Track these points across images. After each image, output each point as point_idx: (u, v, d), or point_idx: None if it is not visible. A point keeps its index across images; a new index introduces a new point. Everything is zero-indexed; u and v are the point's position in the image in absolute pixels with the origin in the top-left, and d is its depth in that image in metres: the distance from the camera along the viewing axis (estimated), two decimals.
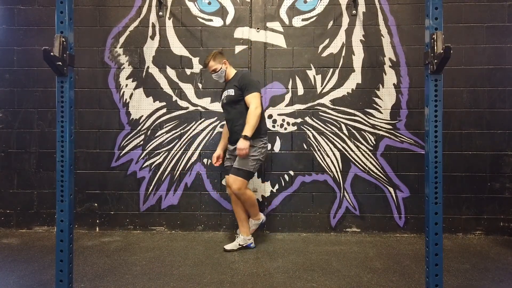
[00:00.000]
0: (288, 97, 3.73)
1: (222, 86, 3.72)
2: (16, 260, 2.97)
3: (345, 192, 3.72)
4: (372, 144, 3.70)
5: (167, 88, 3.76)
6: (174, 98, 3.76)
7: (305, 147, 3.72)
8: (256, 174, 3.54)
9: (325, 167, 3.72)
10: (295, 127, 3.72)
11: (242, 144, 3.00)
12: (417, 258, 3.03)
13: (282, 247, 3.32)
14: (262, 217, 3.40)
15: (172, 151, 3.77)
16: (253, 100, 3.09)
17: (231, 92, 3.18)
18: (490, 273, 2.73)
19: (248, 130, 3.01)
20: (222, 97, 3.31)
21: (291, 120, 3.72)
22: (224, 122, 3.46)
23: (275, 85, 3.73)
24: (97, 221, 3.79)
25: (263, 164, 3.60)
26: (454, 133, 3.67)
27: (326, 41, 3.72)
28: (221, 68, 3.23)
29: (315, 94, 3.72)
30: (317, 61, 3.72)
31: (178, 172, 3.77)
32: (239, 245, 3.20)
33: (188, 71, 3.76)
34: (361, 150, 3.70)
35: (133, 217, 3.78)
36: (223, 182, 3.74)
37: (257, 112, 3.05)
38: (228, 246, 3.19)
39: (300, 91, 3.72)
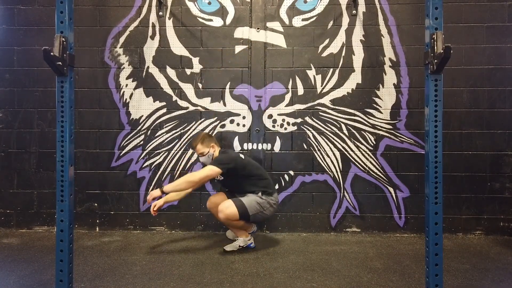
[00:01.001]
0: (288, 97, 3.73)
1: (222, 86, 3.74)
2: (16, 260, 2.97)
3: (345, 192, 3.72)
4: (372, 144, 3.70)
5: (167, 88, 3.76)
6: (174, 98, 3.76)
7: (305, 147, 3.72)
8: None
9: (325, 167, 3.72)
10: (295, 127, 3.72)
11: (155, 192, 2.93)
12: (417, 258, 3.03)
13: (282, 247, 3.32)
14: (251, 240, 3.25)
15: (172, 151, 3.77)
16: (202, 169, 3.08)
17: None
18: (490, 273, 2.73)
19: (169, 186, 2.97)
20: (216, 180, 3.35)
21: (291, 120, 3.72)
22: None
23: (275, 85, 3.73)
24: (97, 221, 3.79)
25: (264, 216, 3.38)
26: (454, 133, 3.67)
27: (326, 41, 3.72)
28: (208, 151, 3.23)
29: (315, 94, 3.72)
30: (317, 61, 3.72)
31: (178, 172, 3.77)
32: (239, 246, 3.19)
33: (188, 71, 3.76)
34: (361, 150, 3.70)
35: (133, 217, 3.78)
36: None
37: (190, 179, 2.98)
38: (228, 247, 3.18)
39: (300, 91, 3.72)
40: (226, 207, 3.02)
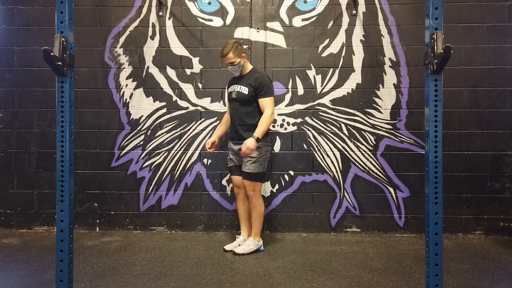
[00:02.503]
0: (288, 97, 3.73)
1: (222, 86, 3.73)
2: (16, 260, 2.97)
3: (345, 192, 3.72)
4: (372, 144, 3.70)
5: (167, 88, 3.76)
6: (174, 98, 3.76)
7: (305, 147, 3.72)
8: None
9: (325, 167, 3.72)
10: (295, 127, 3.72)
11: (252, 144, 2.95)
12: (417, 258, 3.03)
13: (282, 247, 3.32)
14: (261, 243, 3.21)
15: (172, 151, 3.77)
16: (269, 105, 3.06)
17: (244, 90, 3.09)
18: (490, 273, 2.73)
19: (260, 133, 2.99)
20: (231, 90, 3.19)
21: (291, 120, 3.72)
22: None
23: (275, 85, 3.72)
24: (97, 221, 3.79)
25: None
26: (454, 133, 3.67)
27: (326, 41, 3.72)
28: (239, 62, 3.09)
29: (315, 94, 3.72)
30: (317, 61, 3.72)
31: (178, 172, 3.77)
32: (251, 249, 3.12)
33: (188, 71, 3.76)
34: (361, 150, 3.70)
35: (133, 217, 3.78)
36: (223, 182, 3.74)
37: (272, 118, 3.07)
38: (239, 250, 3.12)
39: (300, 91, 3.72)
40: (248, 185, 3.10)
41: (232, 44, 3.08)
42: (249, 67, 3.22)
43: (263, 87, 3.06)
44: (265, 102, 3.06)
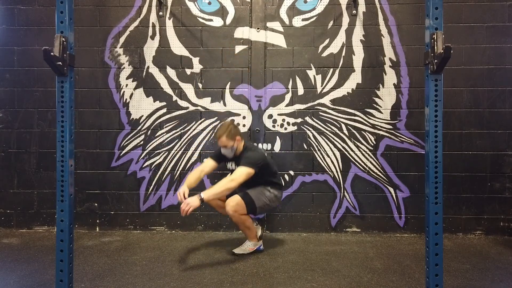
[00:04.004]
0: (288, 97, 3.73)
1: (222, 86, 3.73)
2: (16, 260, 2.97)
3: (345, 192, 3.72)
4: (372, 144, 3.70)
5: (167, 88, 3.76)
6: (174, 98, 3.76)
7: (305, 147, 3.72)
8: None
9: (325, 167, 3.72)
10: (295, 127, 3.72)
11: (194, 201, 2.69)
12: (417, 258, 3.03)
13: (282, 247, 3.32)
14: (260, 242, 3.19)
15: (172, 151, 3.77)
16: (239, 173, 2.91)
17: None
18: (490, 273, 2.73)
19: (207, 193, 2.78)
20: (228, 164, 3.46)
21: (291, 120, 3.72)
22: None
23: (275, 85, 3.72)
24: (97, 221, 3.79)
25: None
26: (454, 133, 3.67)
27: (326, 41, 3.72)
28: (233, 145, 3.06)
29: (315, 94, 3.72)
30: (317, 61, 3.72)
31: (178, 172, 3.77)
32: (250, 249, 3.12)
33: (188, 71, 3.76)
34: (361, 150, 3.70)
35: (133, 217, 3.78)
36: None
37: (230, 186, 2.85)
38: (237, 250, 3.12)
39: (300, 91, 3.72)
40: (233, 201, 2.96)
41: (226, 127, 3.05)
42: (241, 146, 3.16)
43: (246, 156, 3.02)
44: (239, 169, 2.94)
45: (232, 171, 3.21)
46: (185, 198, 2.82)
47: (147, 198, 3.77)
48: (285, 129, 3.72)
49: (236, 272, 2.74)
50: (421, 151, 3.66)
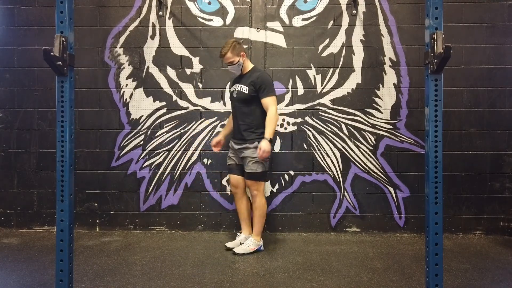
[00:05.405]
0: (288, 97, 3.73)
1: (222, 86, 3.73)
2: (16, 260, 2.97)
3: (345, 192, 3.72)
4: (372, 144, 3.70)
5: (167, 88, 3.76)
6: (174, 98, 3.76)
7: (305, 147, 3.72)
8: None
9: (325, 167, 3.72)
10: (295, 127, 3.72)
11: (267, 146, 2.93)
12: (417, 258, 3.03)
13: (282, 247, 3.32)
14: (261, 243, 3.21)
15: (172, 151, 3.77)
16: (272, 103, 3.03)
17: (244, 89, 3.08)
18: (490, 273, 2.73)
19: (271, 133, 2.98)
20: (233, 90, 3.18)
21: (291, 120, 3.72)
22: (226, 122, 3.44)
23: (275, 85, 3.70)
24: (97, 221, 3.79)
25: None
26: (454, 133, 3.67)
27: (326, 41, 3.72)
28: (238, 61, 3.07)
29: (315, 94, 3.72)
30: (317, 61, 3.72)
31: (178, 172, 3.77)
32: (251, 249, 3.12)
33: (188, 71, 3.76)
34: (361, 150, 3.70)
35: (133, 217, 3.78)
36: (224, 182, 3.74)
37: (277, 116, 3.06)
38: (238, 250, 3.11)
39: (300, 91, 3.72)
40: (251, 185, 3.10)
41: (230, 44, 3.06)
42: (249, 65, 3.21)
43: (264, 86, 3.04)
44: (268, 101, 3.04)
45: (235, 97, 3.15)
46: (218, 148, 3.36)
47: (147, 198, 3.77)
48: (285, 129, 3.72)
49: (236, 272, 2.74)
50: (421, 151, 3.66)
